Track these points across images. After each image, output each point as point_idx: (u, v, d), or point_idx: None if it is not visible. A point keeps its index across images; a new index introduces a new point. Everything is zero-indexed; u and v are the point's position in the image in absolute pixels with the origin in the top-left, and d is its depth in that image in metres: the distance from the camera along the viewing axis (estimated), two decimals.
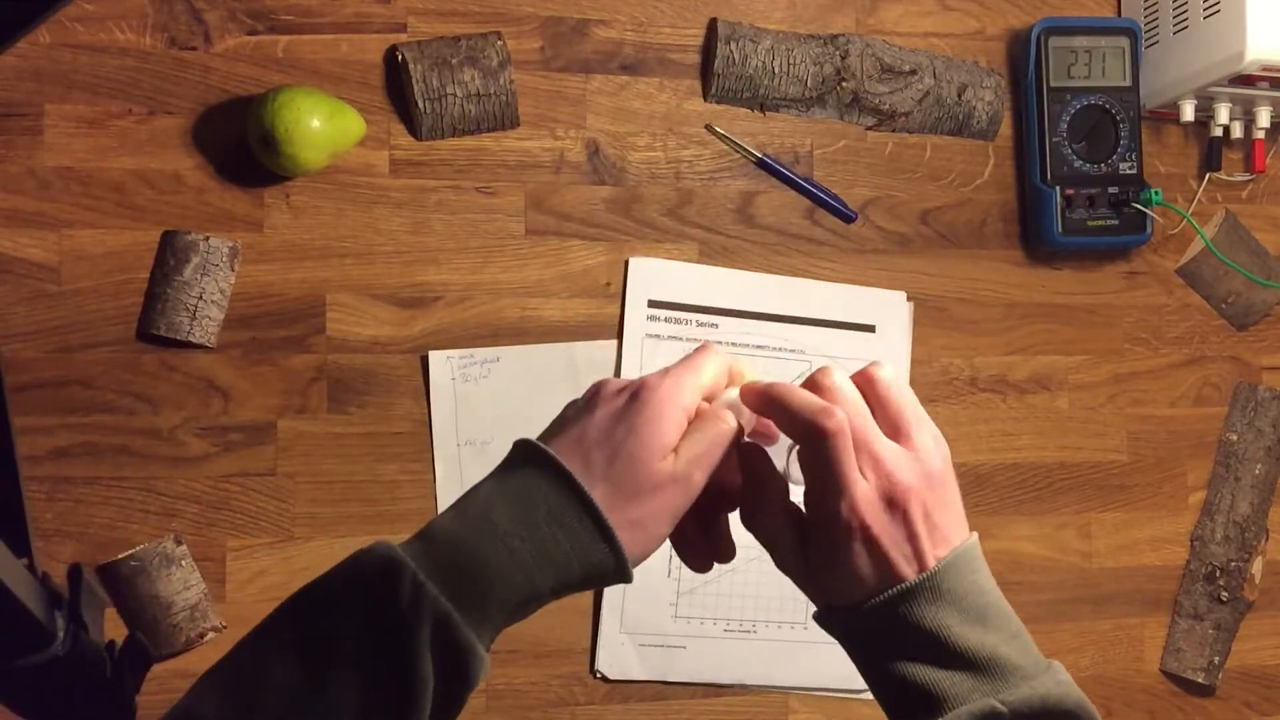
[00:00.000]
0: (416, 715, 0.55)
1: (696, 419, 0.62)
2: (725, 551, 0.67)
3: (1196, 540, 1.18)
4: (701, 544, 0.66)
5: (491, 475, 0.61)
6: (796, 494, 0.64)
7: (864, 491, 0.60)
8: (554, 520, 0.58)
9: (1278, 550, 1.20)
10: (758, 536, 0.65)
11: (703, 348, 0.64)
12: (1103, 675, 1.16)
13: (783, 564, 0.65)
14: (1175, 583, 1.18)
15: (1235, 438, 1.19)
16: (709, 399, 0.64)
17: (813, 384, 0.63)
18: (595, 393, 0.63)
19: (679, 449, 0.61)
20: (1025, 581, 1.14)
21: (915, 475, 0.61)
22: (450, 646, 0.56)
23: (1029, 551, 1.15)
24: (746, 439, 0.65)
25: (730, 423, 0.62)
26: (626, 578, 0.60)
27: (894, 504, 0.60)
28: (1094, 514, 1.16)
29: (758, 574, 1.08)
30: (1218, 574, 1.17)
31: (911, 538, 0.61)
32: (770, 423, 0.64)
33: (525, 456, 0.60)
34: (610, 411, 0.61)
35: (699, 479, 0.61)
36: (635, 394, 0.61)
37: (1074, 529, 1.16)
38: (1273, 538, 1.20)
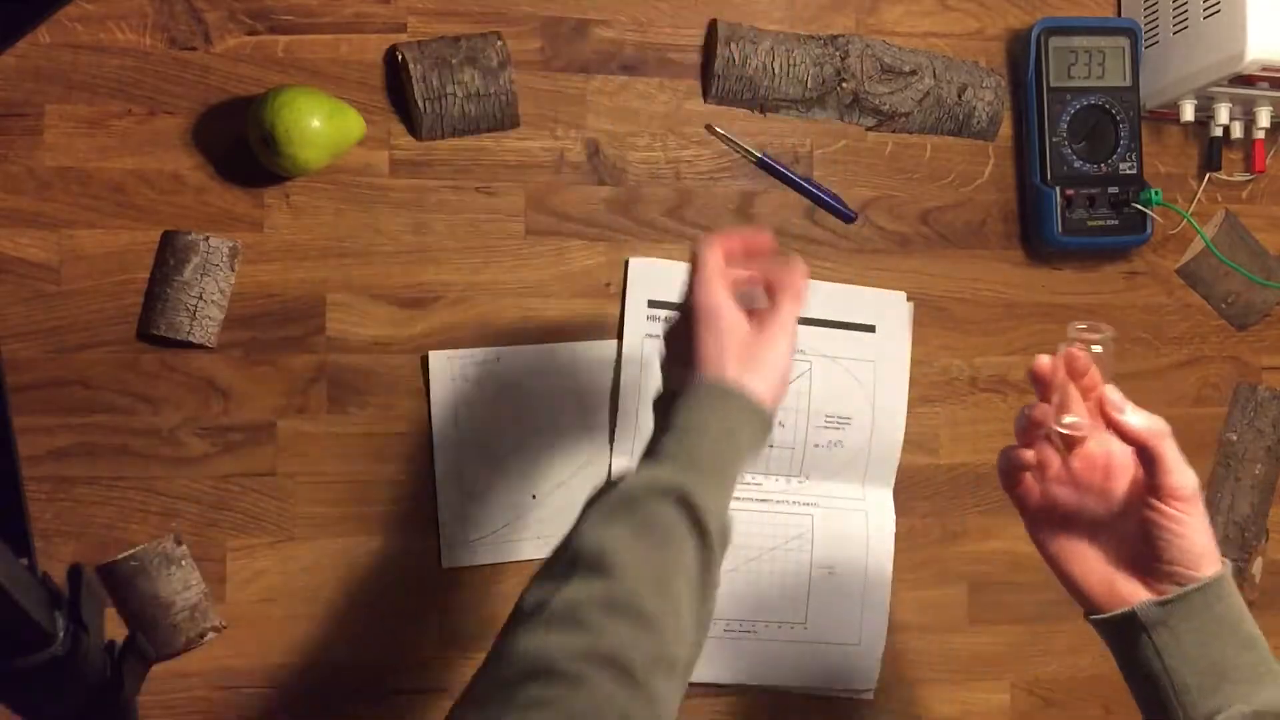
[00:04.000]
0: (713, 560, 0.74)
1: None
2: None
3: None
4: None
5: (676, 406, 0.77)
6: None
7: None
8: (732, 411, 0.76)
9: (1278, 550, 1.20)
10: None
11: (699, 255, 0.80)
12: (1103, 675, 1.16)
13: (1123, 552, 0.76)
14: None
15: (1235, 438, 1.19)
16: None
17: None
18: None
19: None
20: (1025, 581, 1.14)
21: None
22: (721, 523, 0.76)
23: (1029, 552, 1.13)
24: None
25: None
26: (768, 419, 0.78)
27: None
28: None
29: (758, 574, 1.08)
30: None
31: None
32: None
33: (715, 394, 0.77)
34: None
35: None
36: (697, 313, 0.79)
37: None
38: (1273, 538, 1.20)
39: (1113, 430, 0.75)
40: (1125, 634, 0.75)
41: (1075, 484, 0.78)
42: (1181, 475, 0.74)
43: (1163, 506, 0.73)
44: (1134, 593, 0.75)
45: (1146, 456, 0.74)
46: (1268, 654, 0.73)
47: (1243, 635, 0.73)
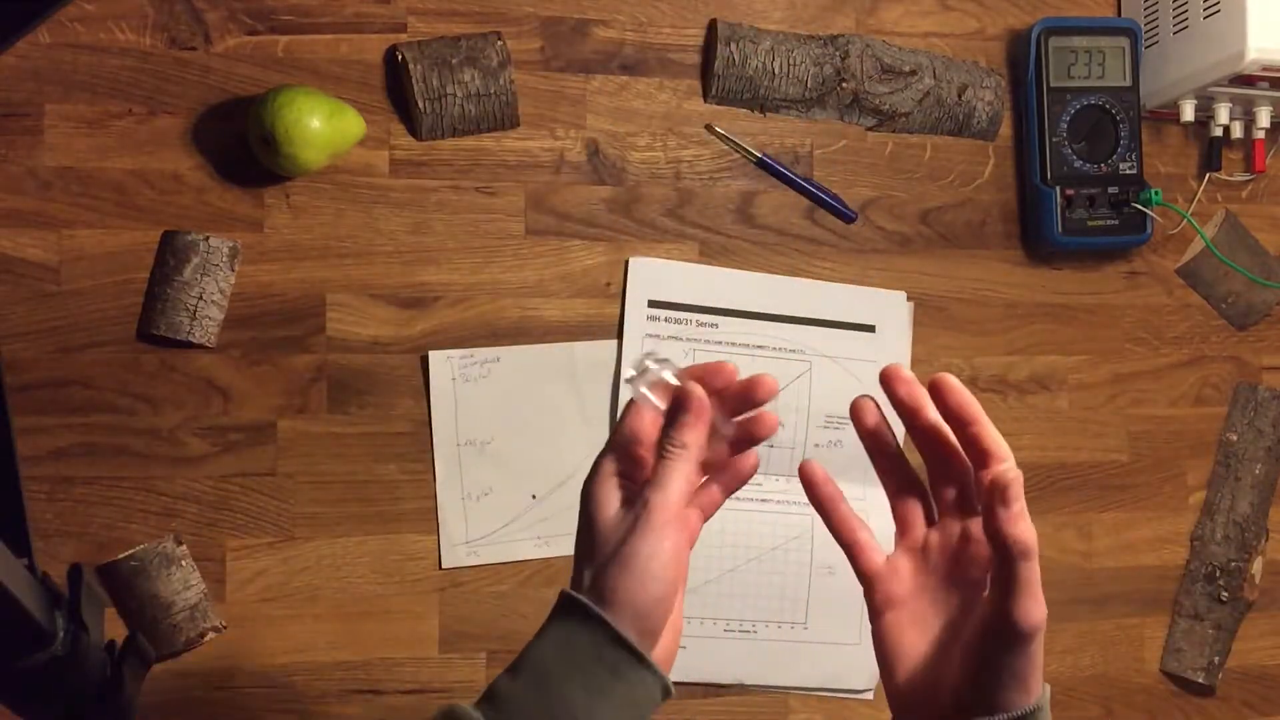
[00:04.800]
0: None
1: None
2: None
3: (1196, 540, 1.18)
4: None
5: (544, 626, 0.65)
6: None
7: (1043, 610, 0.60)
8: (598, 660, 0.62)
9: (1278, 550, 1.20)
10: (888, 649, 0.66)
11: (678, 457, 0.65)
12: (1103, 675, 1.16)
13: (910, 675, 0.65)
14: (1175, 583, 1.18)
15: (1235, 438, 1.19)
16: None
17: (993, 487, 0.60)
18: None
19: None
20: None
21: None
22: None
23: None
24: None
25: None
26: (667, 688, 0.64)
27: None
28: (1094, 514, 1.16)
29: (758, 574, 1.08)
30: (1218, 574, 1.17)
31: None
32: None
33: (568, 607, 0.64)
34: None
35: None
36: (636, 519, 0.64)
37: (1074, 529, 1.16)
38: (1273, 538, 1.20)
39: (990, 520, 0.59)
40: None
41: (926, 558, 0.67)
42: (1035, 608, 0.59)
43: (1002, 639, 0.60)
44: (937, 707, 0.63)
45: (1004, 573, 0.59)
46: None
47: None
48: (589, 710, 0.62)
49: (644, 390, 0.65)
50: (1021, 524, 0.58)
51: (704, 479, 0.68)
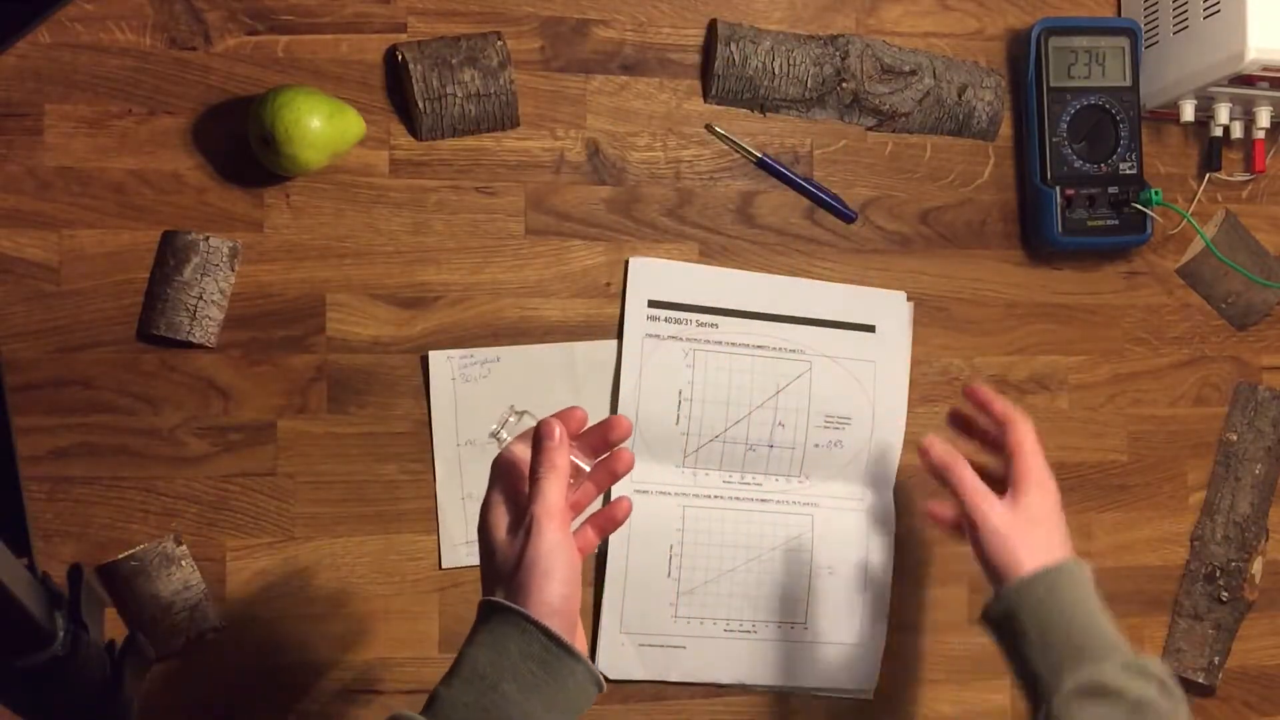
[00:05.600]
0: None
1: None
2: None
3: (1196, 540, 1.18)
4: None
5: (470, 634, 0.73)
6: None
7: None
8: (527, 656, 0.70)
9: (1278, 550, 1.20)
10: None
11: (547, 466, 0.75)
12: None
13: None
14: (1175, 583, 1.18)
15: (1235, 438, 1.19)
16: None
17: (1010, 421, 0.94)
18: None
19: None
20: None
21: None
22: None
23: None
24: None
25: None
26: (597, 680, 0.73)
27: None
28: (1094, 514, 1.16)
29: (758, 574, 1.08)
30: (1218, 574, 1.17)
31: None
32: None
33: (488, 611, 0.72)
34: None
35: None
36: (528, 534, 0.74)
37: (1074, 529, 1.15)
38: (1273, 538, 1.20)
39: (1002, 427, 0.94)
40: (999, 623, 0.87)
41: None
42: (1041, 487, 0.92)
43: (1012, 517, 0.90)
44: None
45: (1015, 475, 0.92)
46: (1110, 632, 0.85)
47: (1081, 619, 0.85)
48: (523, 708, 0.69)
49: (507, 437, 0.79)
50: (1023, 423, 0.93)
51: (580, 523, 0.80)
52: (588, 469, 0.79)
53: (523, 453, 0.77)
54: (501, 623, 0.71)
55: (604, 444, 0.80)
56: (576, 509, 0.80)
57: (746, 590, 1.08)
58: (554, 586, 0.71)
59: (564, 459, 0.75)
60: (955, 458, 0.91)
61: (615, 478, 0.81)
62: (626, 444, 0.77)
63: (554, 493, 0.74)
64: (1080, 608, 0.86)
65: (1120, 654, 0.83)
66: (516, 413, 0.81)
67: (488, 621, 0.72)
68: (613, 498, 0.88)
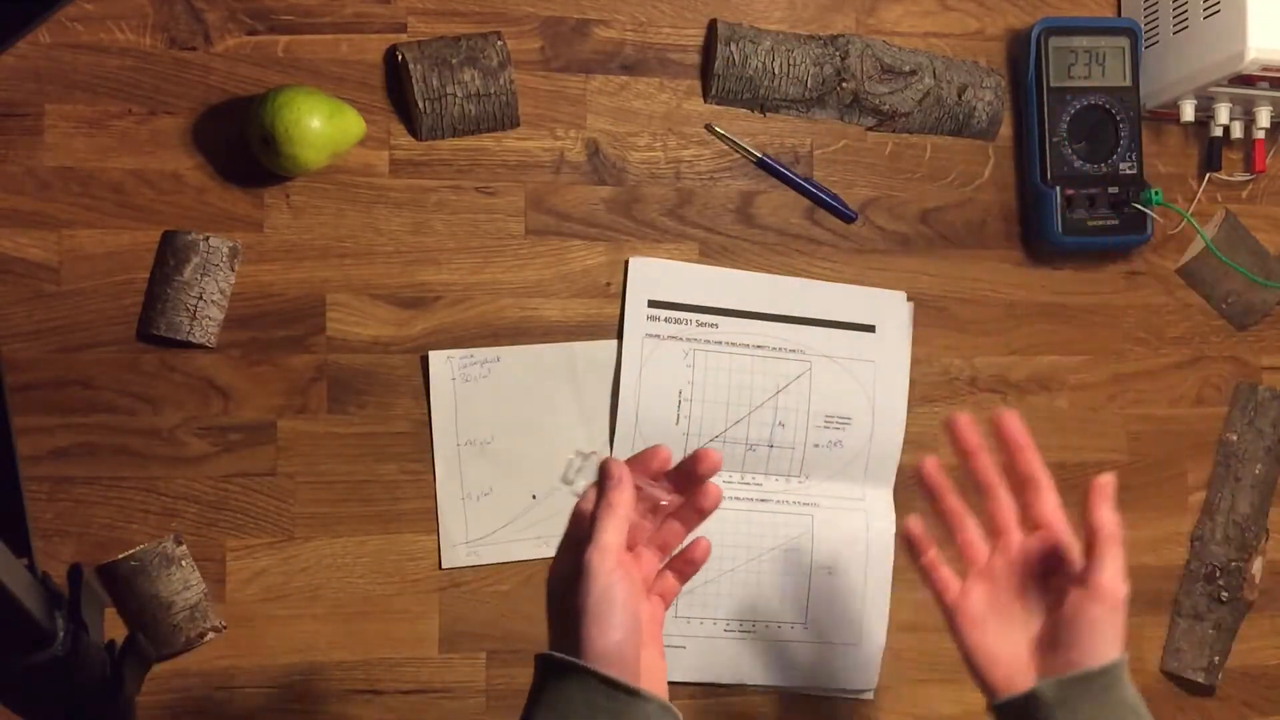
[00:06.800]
0: None
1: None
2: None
3: (1196, 540, 1.18)
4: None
5: (531, 694, 0.70)
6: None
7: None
8: (593, 706, 0.67)
9: (1278, 550, 1.20)
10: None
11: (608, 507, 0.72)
12: None
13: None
14: (1175, 583, 1.18)
15: (1235, 438, 1.19)
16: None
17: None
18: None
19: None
20: None
21: None
22: None
23: None
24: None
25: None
26: (667, 708, 0.71)
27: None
28: None
29: (758, 574, 1.08)
30: (1218, 574, 1.17)
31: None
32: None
33: (543, 667, 0.70)
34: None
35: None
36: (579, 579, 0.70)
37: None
38: (1273, 538, 1.20)
39: (1087, 514, 0.78)
40: (1028, 715, 0.75)
41: (993, 578, 0.80)
42: (1121, 578, 0.77)
43: (1092, 602, 0.75)
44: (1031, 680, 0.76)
45: (1096, 553, 0.77)
46: None
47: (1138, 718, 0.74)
48: None
49: (582, 482, 0.75)
50: (1114, 515, 0.78)
51: (661, 568, 0.77)
52: (665, 501, 0.75)
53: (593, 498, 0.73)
54: (565, 679, 0.68)
55: (692, 479, 0.75)
56: (664, 549, 0.77)
57: (746, 590, 1.08)
58: (610, 634, 0.68)
59: (623, 498, 0.71)
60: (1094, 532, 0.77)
61: (703, 515, 0.76)
62: (625, 445, 0.74)
63: (608, 533, 0.70)
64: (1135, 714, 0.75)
65: None
66: (583, 455, 0.76)
67: (551, 680, 0.69)
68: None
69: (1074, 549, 0.78)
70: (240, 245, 1.00)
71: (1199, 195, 1.18)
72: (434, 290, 1.04)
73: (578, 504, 0.74)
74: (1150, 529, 1.17)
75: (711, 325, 1.08)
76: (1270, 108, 1.13)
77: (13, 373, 0.96)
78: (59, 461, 0.98)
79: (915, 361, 1.12)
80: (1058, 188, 1.11)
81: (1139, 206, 1.12)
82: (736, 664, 1.08)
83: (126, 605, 0.97)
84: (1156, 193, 1.12)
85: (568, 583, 0.70)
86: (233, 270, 1.00)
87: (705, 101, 1.09)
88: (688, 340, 1.07)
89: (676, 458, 1.06)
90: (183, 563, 0.98)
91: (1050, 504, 0.80)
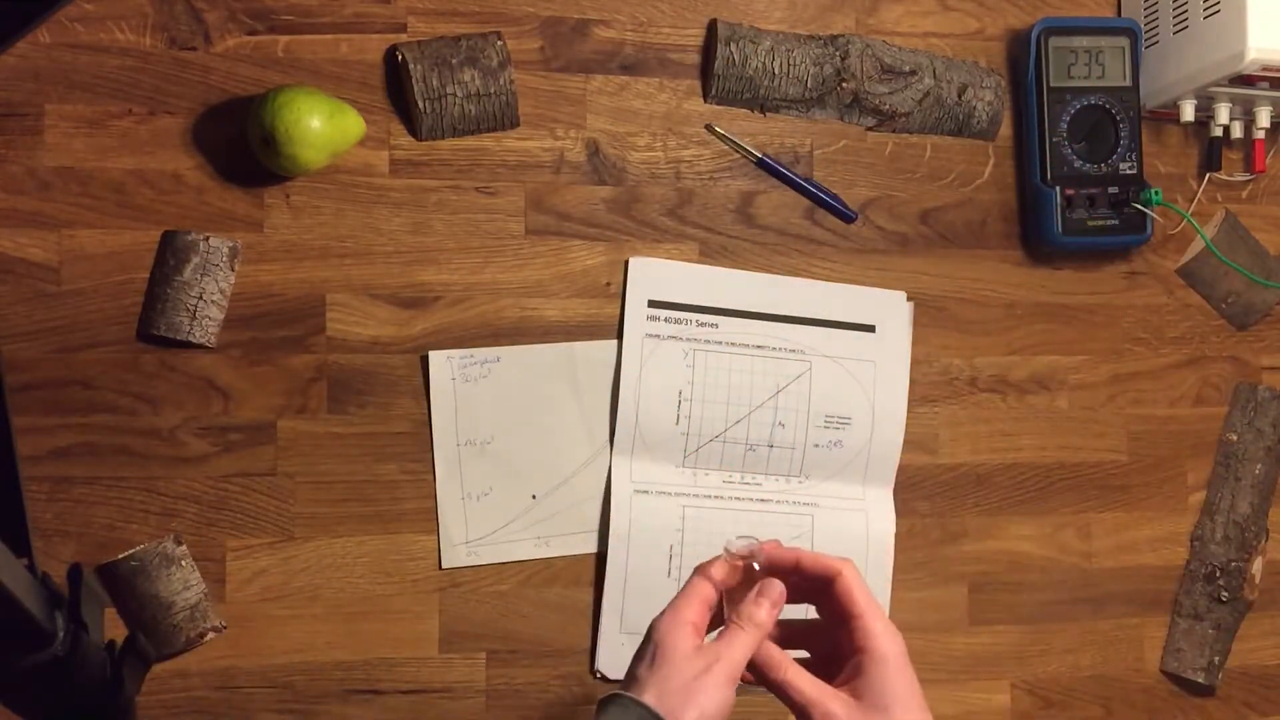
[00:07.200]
0: None
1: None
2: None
3: (1196, 540, 1.18)
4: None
5: None
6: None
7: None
8: None
9: (1278, 550, 1.20)
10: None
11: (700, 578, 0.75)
12: (1103, 675, 1.16)
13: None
14: (1175, 583, 1.18)
15: (1235, 438, 1.19)
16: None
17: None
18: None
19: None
20: (1025, 581, 1.14)
21: None
22: None
23: (1029, 551, 1.15)
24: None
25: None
26: None
27: None
28: (1094, 514, 1.16)
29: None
30: (1218, 574, 1.17)
31: None
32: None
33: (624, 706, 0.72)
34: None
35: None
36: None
37: (1074, 529, 1.16)
38: (1273, 538, 1.20)
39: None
40: None
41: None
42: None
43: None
44: None
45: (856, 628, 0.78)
46: None
47: None
48: None
49: (732, 551, 0.75)
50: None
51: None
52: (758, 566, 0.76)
53: (722, 579, 0.75)
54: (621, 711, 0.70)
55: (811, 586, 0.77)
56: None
57: None
58: None
59: (770, 619, 0.74)
60: (778, 661, 0.76)
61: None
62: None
63: (744, 649, 0.74)
64: None
65: None
66: (742, 537, 0.76)
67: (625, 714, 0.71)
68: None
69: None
70: (240, 245, 1.00)
71: (1199, 195, 1.18)
72: (434, 290, 1.04)
73: (715, 568, 0.75)
74: (1150, 529, 1.17)
75: (711, 325, 1.08)
76: (1270, 108, 1.13)
77: (13, 373, 0.96)
78: (59, 461, 0.98)
79: (915, 361, 1.12)
80: (1058, 188, 1.11)
81: (1139, 206, 1.12)
82: None
83: (126, 605, 0.97)
84: (1156, 193, 1.12)
85: (688, 652, 0.73)
86: (233, 270, 1.00)
87: (705, 101, 1.09)
88: (688, 340, 1.07)
89: (677, 457, 1.07)
90: (183, 563, 0.98)
91: (847, 583, 0.78)
